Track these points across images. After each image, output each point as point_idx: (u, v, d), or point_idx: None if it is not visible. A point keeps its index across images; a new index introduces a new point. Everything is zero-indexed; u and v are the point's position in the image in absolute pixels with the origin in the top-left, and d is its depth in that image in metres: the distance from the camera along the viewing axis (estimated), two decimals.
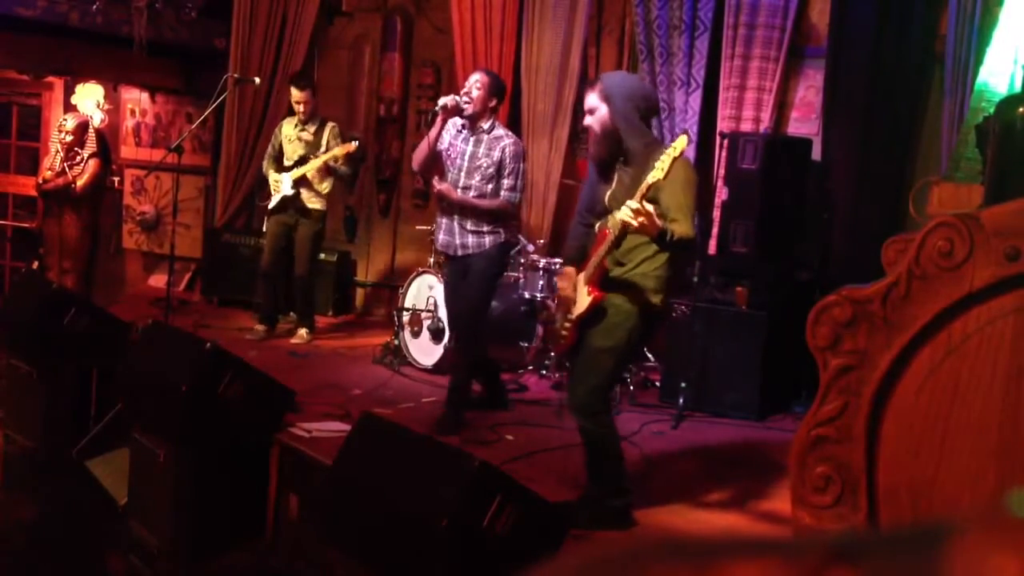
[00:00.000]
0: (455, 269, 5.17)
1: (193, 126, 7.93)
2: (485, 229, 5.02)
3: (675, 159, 3.40)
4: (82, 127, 8.02)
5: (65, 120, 8.07)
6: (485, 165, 4.97)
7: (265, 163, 7.10)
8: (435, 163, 5.06)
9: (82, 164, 7.90)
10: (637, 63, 6.79)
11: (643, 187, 3.45)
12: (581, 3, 6.99)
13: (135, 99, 9.47)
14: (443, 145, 5.04)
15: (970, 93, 5.35)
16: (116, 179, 9.26)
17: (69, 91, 9.14)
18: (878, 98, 5.94)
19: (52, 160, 7.95)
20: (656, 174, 3.41)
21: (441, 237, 5.13)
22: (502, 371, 5.65)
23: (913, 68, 5.97)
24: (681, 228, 3.55)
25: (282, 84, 8.31)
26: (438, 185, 5.05)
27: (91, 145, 7.99)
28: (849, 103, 6.08)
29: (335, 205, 8.55)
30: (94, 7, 7.81)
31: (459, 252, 5.07)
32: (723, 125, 6.34)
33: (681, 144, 3.43)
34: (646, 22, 6.70)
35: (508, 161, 4.97)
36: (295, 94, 6.84)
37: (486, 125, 5.01)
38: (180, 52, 8.62)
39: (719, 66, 6.46)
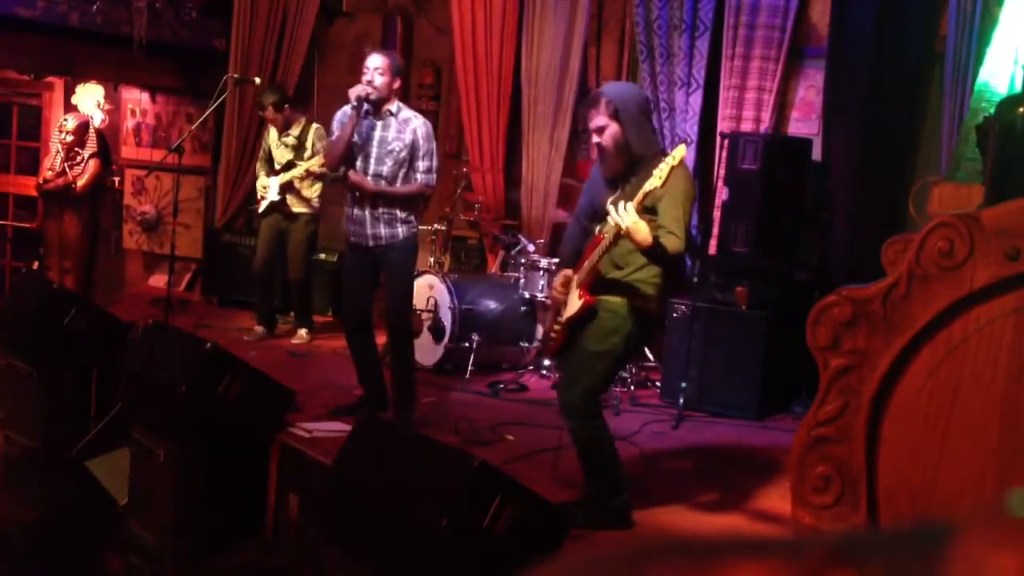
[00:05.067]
0: (361, 260, 4.95)
1: (193, 126, 7.93)
2: (399, 217, 4.86)
3: (673, 168, 3.41)
4: (82, 127, 8.02)
5: (66, 120, 8.06)
6: (397, 149, 4.81)
7: (258, 166, 7.12)
8: (347, 157, 4.88)
9: (82, 164, 7.90)
10: (637, 63, 6.79)
11: (640, 195, 3.46)
12: (581, 3, 6.99)
13: (135, 99, 9.48)
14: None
15: (970, 93, 5.35)
16: (116, 179, 9.26)
17: (69, 91, 9.14)
18: (878, 98, 5.94)
19: (52, 160, 7.95)
20: (654, 182, 3.42)
21: (351, 228, 4.93)
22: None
23: (913, 68, 5.97)
24: (673, 242, 3.55)
25: (282, 85, 8.31)
26: (353, 176, 4.85)
27: (91, 145, 7.98)
28: (849, 103, 6.07)
29: (335, 205, 8.56)
30: (94, 7, 7.81)
31: (370, 243, 4.87)
32: (723, 125, 6.34)
33: (680, 153, 3.44)
34: (646, 22, 6.70)
35: (421, 143, 4.82)
36: (259, 112, 6.89)
37: (393, 108, 4.84)
38: (180, 52, 8.62)
39: (719, 66, 6.46)
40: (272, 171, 6.93)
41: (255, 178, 7.16)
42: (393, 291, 5.01)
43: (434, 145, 4.91)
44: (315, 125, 6.94)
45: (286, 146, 6.88)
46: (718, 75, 6.47)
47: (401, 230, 4.88)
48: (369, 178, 4.84)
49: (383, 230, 4.86)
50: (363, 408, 4.92)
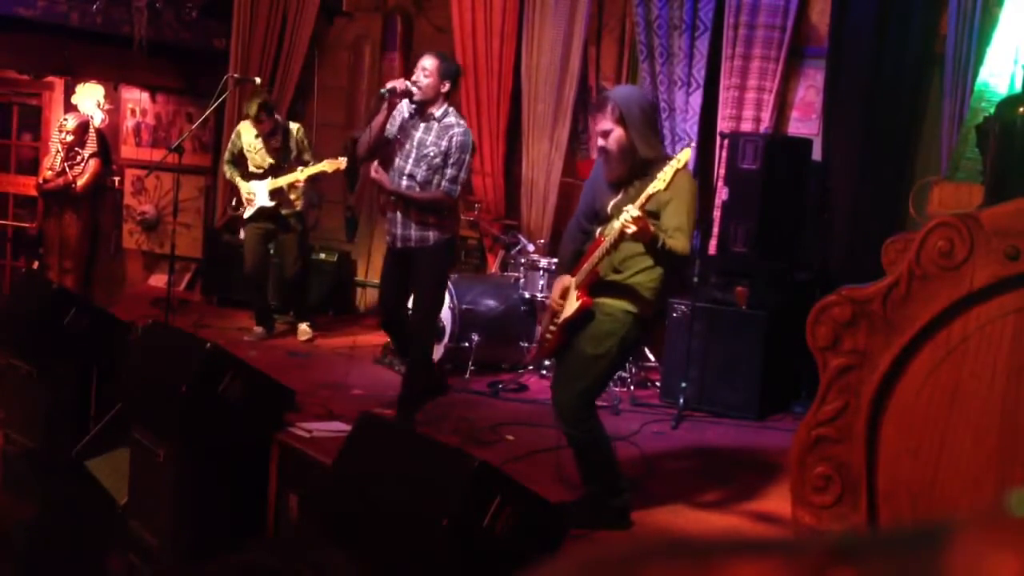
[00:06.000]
0: (393, 260, 4.96)
1: (193, 126, 7.93)
2: (430, 222, 4.79)
3: (678, 171, 3.40)
4: (82, 127, 8.02)
5: (66, 120, 8.07)
6: (432, 154, 4.75)
7: (227, 168, 6.89)
8: (381, 149, 4.83)
9: (82, 164, 7.90)
10: (637, 63, 6.79)
11: (643, 197, 3.45)
12: (581, 3, 6.99)
13: (135, 99, 9.47)
14: (393, 130, 4.82)
15: (970, 93, 5.35)
16: (116, 179, 9.26)
17: (69, 91, 9.14)
18: (878, 98, 5.95)
19: (52, 160, 7.95)
20: (657, 184, 3.41)
21: (387, 226, 4.95)
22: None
23: (913, 68, 5.97)
24: (680, 244, 3.56)
25: (282, 84, 8.32)
26: (374, 173, 4.81)
27: (91, 145, 7.99)
28: (849, 103, 6.07)
29: (336, 205, 8.56)
30: (94, 7, 7.81)
31: (399, 244, 4.86)
32: (723, 125, 6.34)
33: (685, 157, 3.43)
34: (646, 22, 6.70)
35: (453, 151, 4.72)
36: (254, 124, 6.62)
37: (437, 112, 4.77)
38: (180, 52, 8.62)
39: (719, 66, 6.46)
40: (249, 175, 6.78)
41: (229, 180, 6.98)
42: (418, 298, 4.99)
43: (467, 157, 4.79)
44: (296, 126, 6.83)
45: (271, 149, 6.74)
46: (718, 75, 6.47)
47: (432, 234, 4.81)
48: (404, 178, 4.79)
49: (413, 232, 4.81)
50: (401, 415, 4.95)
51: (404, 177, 4.80)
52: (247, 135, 6.79)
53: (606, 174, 3.82)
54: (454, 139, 4.75)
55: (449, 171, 4.76)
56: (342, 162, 6.53)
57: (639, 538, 0.53)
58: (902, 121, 6.02)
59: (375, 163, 4.86)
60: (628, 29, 7.05)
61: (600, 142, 3.76)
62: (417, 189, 4.80)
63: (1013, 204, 2.41)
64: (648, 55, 6.71)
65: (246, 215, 6.83)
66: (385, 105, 4.70)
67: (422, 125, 4.79)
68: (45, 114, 9.44)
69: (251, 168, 6.79)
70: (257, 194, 6.73)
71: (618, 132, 3.69)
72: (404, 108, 4.84)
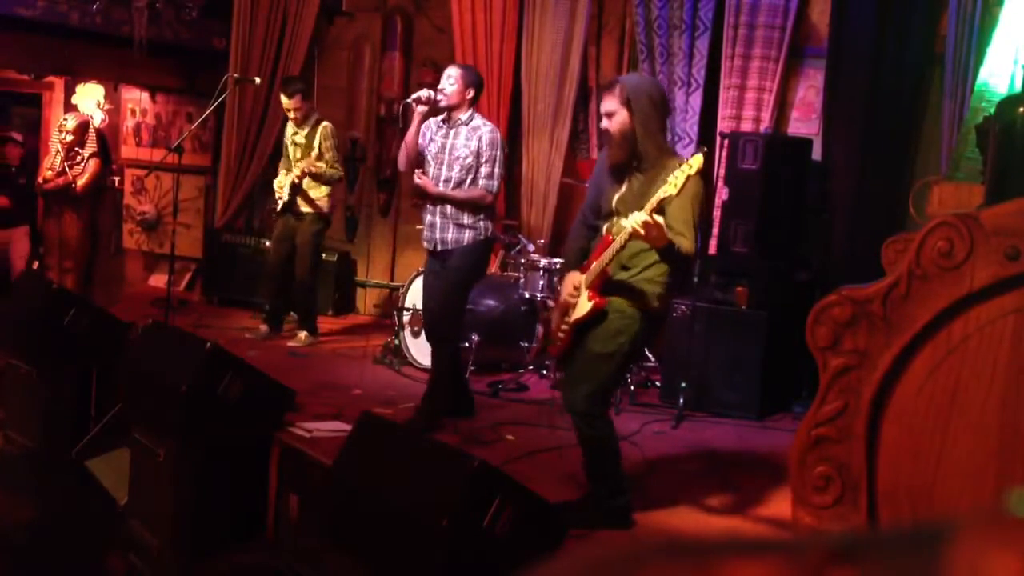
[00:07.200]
0: (432, 268, 5.08)
1: (193, 126, 7.92)
2: (466, 223, 4.92)
3: (690, 176, 3.39)
4: (82, 127, 8.02)
5: (65, 120, 8.07)
6: (464, 155, 4.92)
7: (281, 163, 7.03)
8: (419, 161, 5.03)
9: (82, 164, 7.90)
10: (637, 63, 6.79)
11: (654, 201, 3.43)
12: (581, 3, 6.99)
13: (135, 99, 9.48)
14: (424, 142, 5.02)
15: (970, 93, 5.35)
16: (116, 179, 9.27)
17: (69, 91, 9.15)
18: (878, 98, 5.95)
19: (52, 160, 7.95)
20: (669, 190, 3.38)
21: (426, 233, 5.05)
22: (468, 377, 5.56)
23: (913, 68, 5.97)
24: (683, 244, 3.56)
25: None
26: (418, 179, 4.99)
27: (91, 145, 7.99)
28: (849, 103, 6.07)
29: (336, 205, 8.55)
30: (94, 7, 7.81)
31: (439, 247, 4.98)
32: (723, 125, 6.34)
33: (697, 163, 3.38)
34: (646, 22, 6.70)
35: (484, 148, 4.92)
36: (284, 102, 6.78)
37: (464, 116, 4.98)
38: (180, 52, 8.62)
39: (719, 66, 6.46)
40: (290, 170, 6.87)
41: (258, 177, 7.08)
42: (439, 293, 5.03)
43: (498, 153, 4.96)
44: (324, 124, 6.84)
45: (298, 145, 6.81)
46: (718, 75, 6.47)
47: (467, 235, 4.94)
48: (440, 184, 4.96)
49: (450, 235, 4.95)
50: (416, 420, 4.89)
51: (440, 183, 4.97)
52: (288, 130, 6.93)
53: (607, 156, 3.83)
54: (483, 138, 4.93)
55: (484, 169, 4.94)
56: (312, 159, 6.68)
57: (639, 538, 0.53)
58: (902, 121, 6.02)
59: (418, 170, 5.02)
60: (628, 29, 7.05)
61: (604, 123, 3.77)
62: (449, 189, 4.96)
63: (1013, 204, 2.41)
64: (648, 55, 6.71)
65: (277, 209, 6.92)
66: (412, 115, 4.93)
67: (451, 131, 4.99)
68: (45, 114, 9.44)
69: (291, 162, 6.87)
70: (284, 188, 6.81)
71: (622, 115, 3.69)
72: (432, 122, 5.06)
